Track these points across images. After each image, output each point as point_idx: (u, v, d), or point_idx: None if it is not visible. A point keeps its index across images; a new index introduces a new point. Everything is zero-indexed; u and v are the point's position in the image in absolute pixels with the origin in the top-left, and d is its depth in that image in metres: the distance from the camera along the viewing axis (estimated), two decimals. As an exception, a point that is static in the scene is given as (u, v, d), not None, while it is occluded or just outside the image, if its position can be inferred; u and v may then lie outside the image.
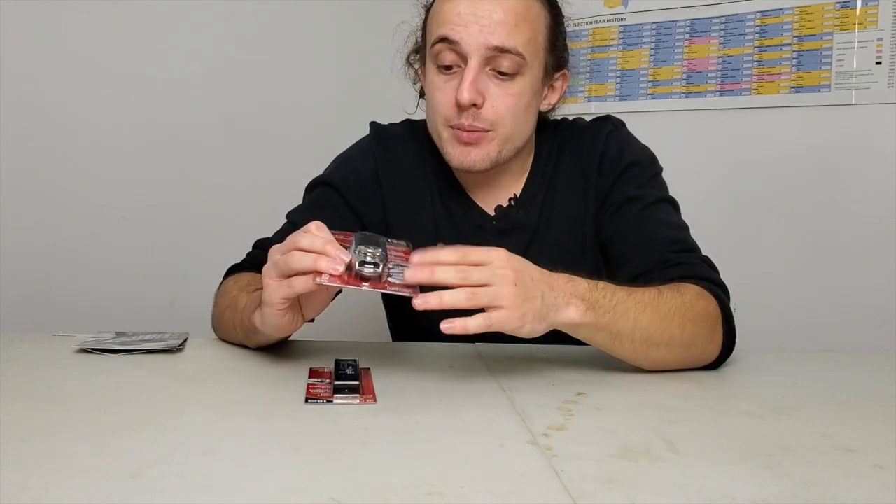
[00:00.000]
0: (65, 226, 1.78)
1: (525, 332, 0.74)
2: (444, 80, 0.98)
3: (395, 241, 0.81)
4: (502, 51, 0.94)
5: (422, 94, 1.14)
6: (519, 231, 1.05)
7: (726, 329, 0.88)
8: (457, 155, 0.98)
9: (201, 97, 1.87)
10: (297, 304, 0.80)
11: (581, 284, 0.79)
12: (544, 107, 1.05)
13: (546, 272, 0.77)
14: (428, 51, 1.01)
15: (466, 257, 0.73)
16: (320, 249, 0.72)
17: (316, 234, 0.74)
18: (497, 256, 0.74)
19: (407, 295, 0.72)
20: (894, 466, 0.59)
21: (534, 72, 0.98)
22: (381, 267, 0.73)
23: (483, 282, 0.72)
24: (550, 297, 0.75)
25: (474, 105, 0.95)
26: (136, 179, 1.83)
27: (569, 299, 0.77)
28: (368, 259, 0.73)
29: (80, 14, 1.76)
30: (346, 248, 0.75)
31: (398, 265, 0.76)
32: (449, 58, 0.96)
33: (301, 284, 0.73)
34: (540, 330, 0.76)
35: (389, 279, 0.74)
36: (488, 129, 0.97)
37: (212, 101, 1.88)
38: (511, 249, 1.04)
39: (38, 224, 1.77)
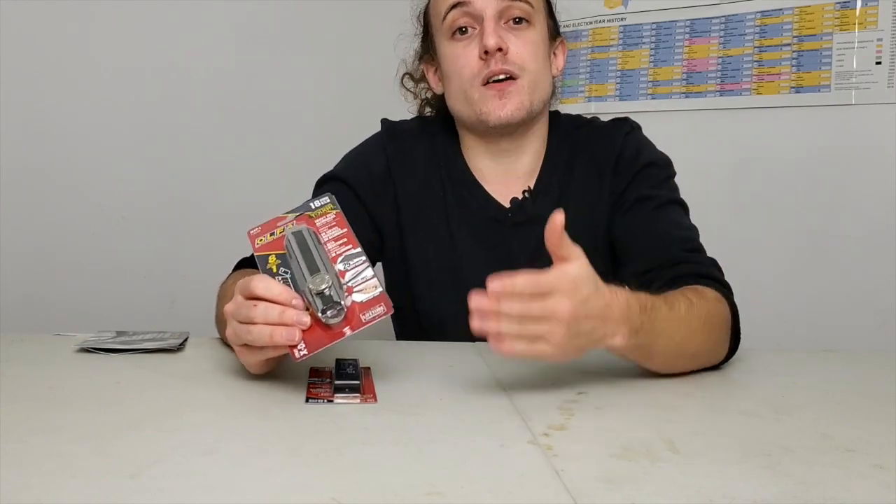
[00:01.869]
0: (65, 226, 1.78)
1: (562, 361, 0.73)
2: (462, 46, 1.03)
3: (320, 214, 0.81)
4: None
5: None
6: (534, 224, 1.04)
7: (733, 331, 0.89)
8: (493, 110, 1.01)
9: (202, 97, 1.87)
10: None
11: (634, 309, 0.75)
12: (553, 71, 1.10)
13: (604, 302, 0.72)
14: (439, 30, 1.06)
15: (536, 287, 0.69)
16: (276, 321, 0.70)
17: (276, 296, 0.71)
18: (561, 292, 0.69)
19: (385, 315, 0.72)
20: (894, 466, 0.59)
21: (542, 25, 1.05)
22: (342, 301, 0.70)
23: (540, 316, 0.69)
24: (600, 331, 0.73)
25: (499, 50, 0.99)
26: (136, 179, 1.82)
27: (617, 329, 0.74)
28: (325, 293, 0.70)
29: (79, 14, 1.76)
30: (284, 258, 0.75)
31: (346, 260, 0.75)
32: (463, 20, 1.02)
33: (272, 351, 0.72)
34: (577, 358, 0.74)
35: (355, 299, 0.72)
36: (517, 74, 1.01)
37: (212, 100, 1.88)
38: (526, 242, 1.05)
39: (38, 224, 1.76)
